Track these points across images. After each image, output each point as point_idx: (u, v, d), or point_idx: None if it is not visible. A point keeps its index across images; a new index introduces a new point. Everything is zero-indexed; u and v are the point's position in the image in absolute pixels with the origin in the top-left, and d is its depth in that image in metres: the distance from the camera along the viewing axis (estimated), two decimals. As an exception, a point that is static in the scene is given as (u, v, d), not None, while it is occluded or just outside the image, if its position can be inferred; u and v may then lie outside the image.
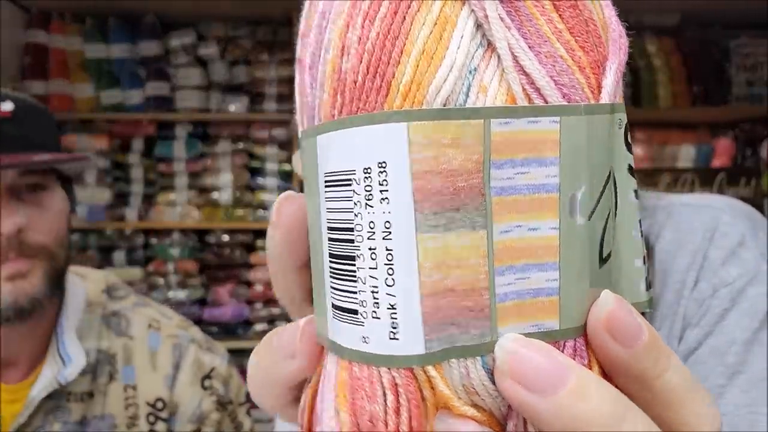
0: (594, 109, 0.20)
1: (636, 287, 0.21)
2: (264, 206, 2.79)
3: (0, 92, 0.87)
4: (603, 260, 0.20)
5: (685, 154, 2.69)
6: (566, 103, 0.19)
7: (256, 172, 2.79)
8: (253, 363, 0.24)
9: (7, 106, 0.83)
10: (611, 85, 0.20)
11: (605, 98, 0.20)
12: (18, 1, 2.70)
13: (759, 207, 1.95)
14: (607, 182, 0.20)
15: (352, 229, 0.19)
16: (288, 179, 2.78)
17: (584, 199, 0.19)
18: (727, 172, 2.62)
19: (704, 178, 2.61)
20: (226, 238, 2.71)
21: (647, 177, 2.59)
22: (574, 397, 0.17)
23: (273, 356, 0.23)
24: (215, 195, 2.73)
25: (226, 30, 2.78)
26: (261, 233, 2.80)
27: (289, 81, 2.74)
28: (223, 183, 2.75)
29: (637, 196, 0.21)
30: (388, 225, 0.18)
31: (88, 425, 0.88)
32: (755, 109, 2.69)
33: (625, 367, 0.19)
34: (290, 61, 2.73)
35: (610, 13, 0.22)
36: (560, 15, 0.20)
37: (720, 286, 0.54)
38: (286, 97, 2.75)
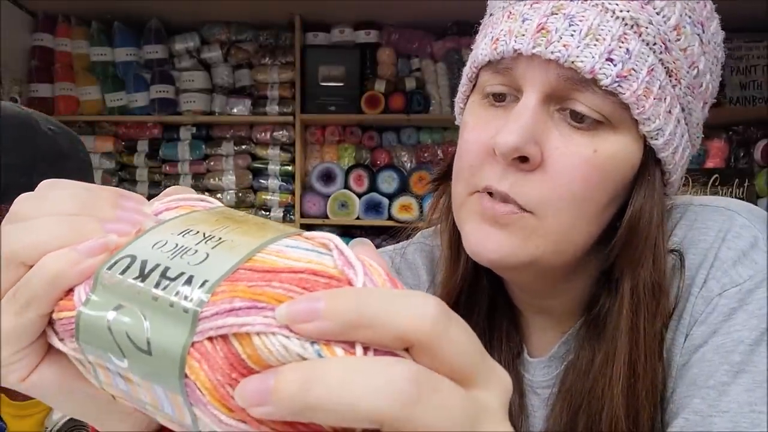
0: None
1: None
2: (266, 207, 2.84)
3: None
4: None
5: (679, 155, 2.72)
6: None
7: (258, 173, 2.84)
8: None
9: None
10: None
11: None
12: (25, 5, 2.75)
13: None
14: None
15: None
16: (289, 180, 2.83)
17: None
18: (720, 173, 2.66)
19: (697, 178, 2.63)
20: (229, 237, 2.76)
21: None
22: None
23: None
24: (219, 196, 2.78)
25: (229, 34, 2.82)
26: (263, 233, 2.85)
27: (291, 84, 2.79)
28: (227, 184, 2.80)
29: None
30: None
31: None
32: (748, 111, 2.73)
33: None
34: (292, 65, 2.78)
35: None
36: None
37: (729, 286, 0.54)
38: (288, 99, 2.80)
